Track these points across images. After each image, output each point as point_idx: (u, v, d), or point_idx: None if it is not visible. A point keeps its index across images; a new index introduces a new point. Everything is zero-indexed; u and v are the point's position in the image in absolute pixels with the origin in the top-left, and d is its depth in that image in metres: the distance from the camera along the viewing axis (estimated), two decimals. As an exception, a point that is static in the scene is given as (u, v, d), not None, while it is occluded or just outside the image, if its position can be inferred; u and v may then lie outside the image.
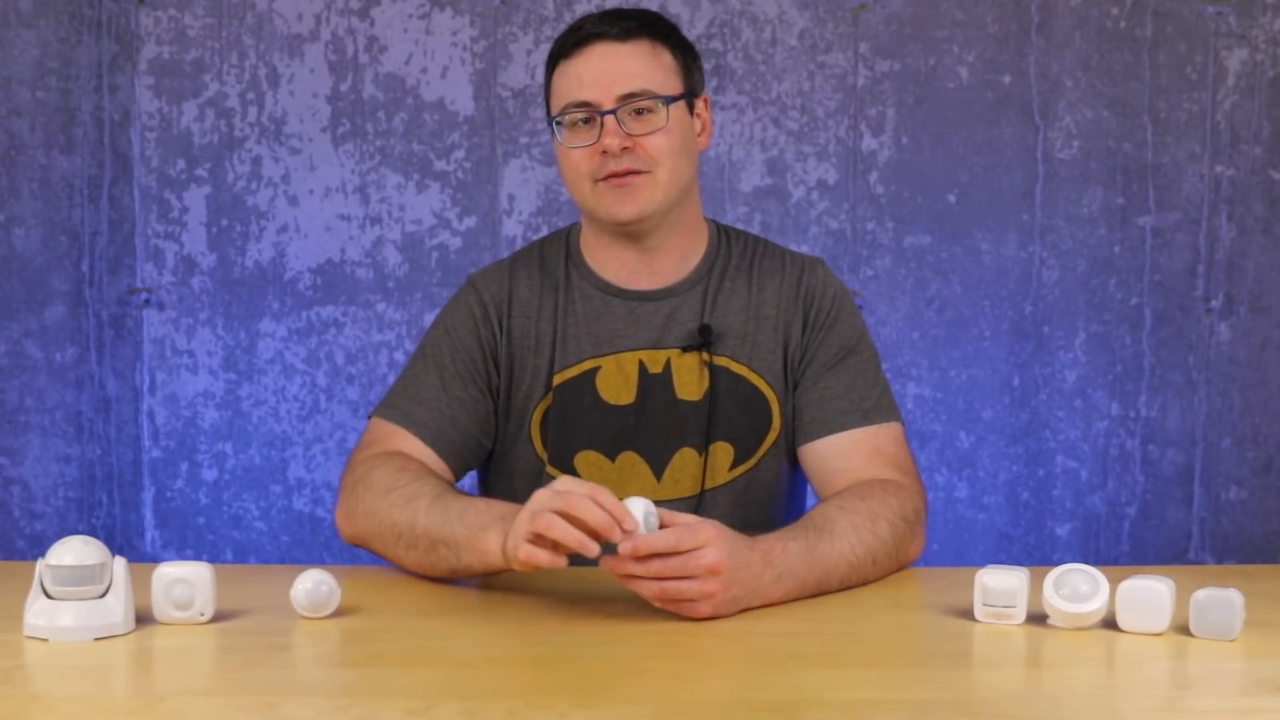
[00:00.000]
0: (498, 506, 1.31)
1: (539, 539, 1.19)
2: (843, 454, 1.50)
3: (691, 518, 1.21)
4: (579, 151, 1.48)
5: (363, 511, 1.42)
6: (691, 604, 1.19)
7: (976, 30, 2.39)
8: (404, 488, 1.39)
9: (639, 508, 1.18)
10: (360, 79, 2.40)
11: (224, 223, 2.41)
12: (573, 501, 1.17)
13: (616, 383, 1.54)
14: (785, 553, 1.26)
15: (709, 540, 1.18)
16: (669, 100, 1.47)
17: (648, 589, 1.19)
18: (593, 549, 1.17)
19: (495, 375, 1.56)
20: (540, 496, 1.21)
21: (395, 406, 1.54)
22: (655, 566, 1.17)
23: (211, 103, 2.40)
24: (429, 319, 1.64)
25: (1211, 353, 2.42)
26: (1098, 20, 2.39)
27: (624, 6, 1.54)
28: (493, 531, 1.28)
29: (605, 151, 1.45)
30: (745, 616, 1.22)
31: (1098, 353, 2.42)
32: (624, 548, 1.16)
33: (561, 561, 1.20)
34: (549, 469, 1.55)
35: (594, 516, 1.16)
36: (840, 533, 1.33)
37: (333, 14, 2.39)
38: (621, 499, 1.19)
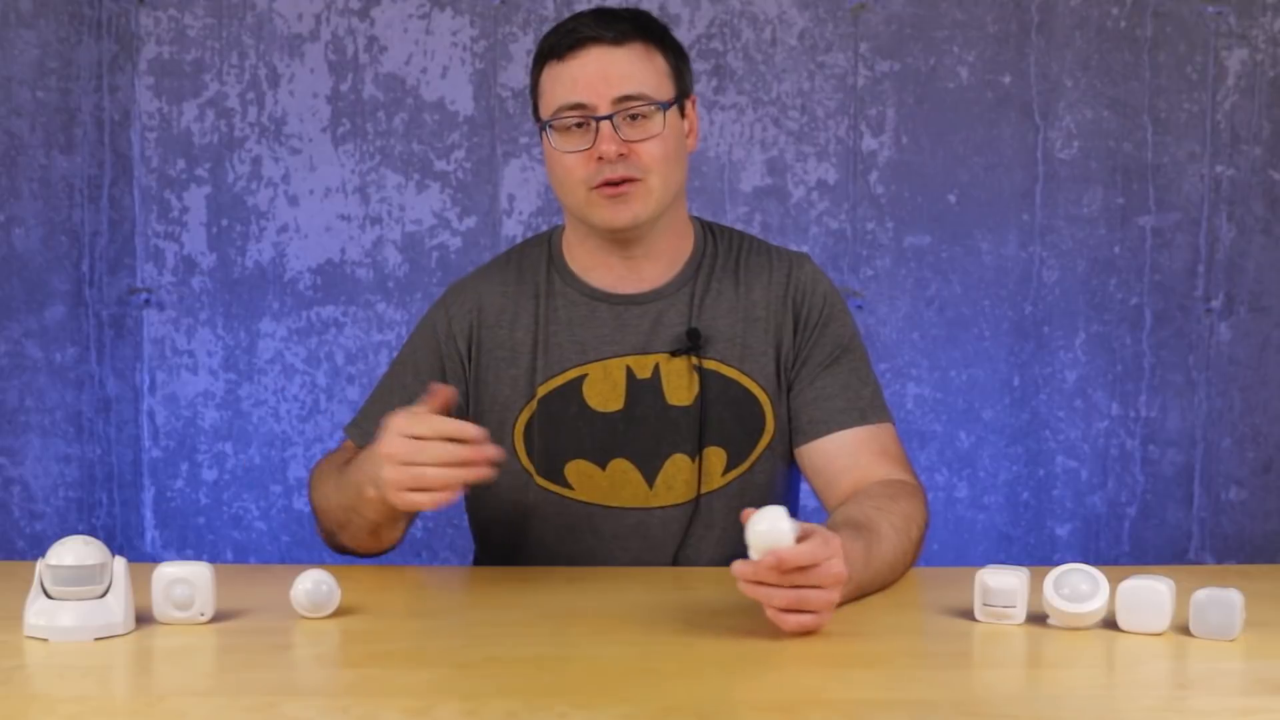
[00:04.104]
0: (365, 458, 1.34)
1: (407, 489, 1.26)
2: (848, 452, 1.48)
3: (814, 527, 1.15)
4: (572, 157, 1.45)
5: (320, 527, 1.50)
6: (814, 615, 1.13)
7: (976, 30, 2.39)
8: (322, 484, 1.47)
9: (779, 519, 1.11)
10: (360, 79, 2.40)
11: (224, 223, 2.41)
12: (425, 450, 1.23)
13: (604, 389, 1.51)
14: (853, 555, 1.21)
15: (839, 550, 1.13)
16: (665, 106, 1.45)
17: (781, 598, 1.12)
18: (477, 475, 1.24)
19: (460, 394, 1.52)
20: (390, 447, 1.25)
21: (359, 425, 1.56)
22: (795, 578, 1.11)
23: (211, 103, 2.40)
24: (428, 319, 1.64)
25: (1211, 353, 2.42)
26: (1098, 20, 2.39)
27: (614, 6, 1.53)
28: (368, 488, 1.32)
29: (601, 158, 1.43)
30: (745, 617, 1.22)
31: (1098, 353, 2.42)
32: (767, 560, 1.09)
33: (450, 496, 1.25)
34: (538, 479, 1.52)
35: (450, 454, 1.23)
36: (885, 535, 1.31)
37: (333, 14, 2.39)
38: (751, 512, 1.13)
